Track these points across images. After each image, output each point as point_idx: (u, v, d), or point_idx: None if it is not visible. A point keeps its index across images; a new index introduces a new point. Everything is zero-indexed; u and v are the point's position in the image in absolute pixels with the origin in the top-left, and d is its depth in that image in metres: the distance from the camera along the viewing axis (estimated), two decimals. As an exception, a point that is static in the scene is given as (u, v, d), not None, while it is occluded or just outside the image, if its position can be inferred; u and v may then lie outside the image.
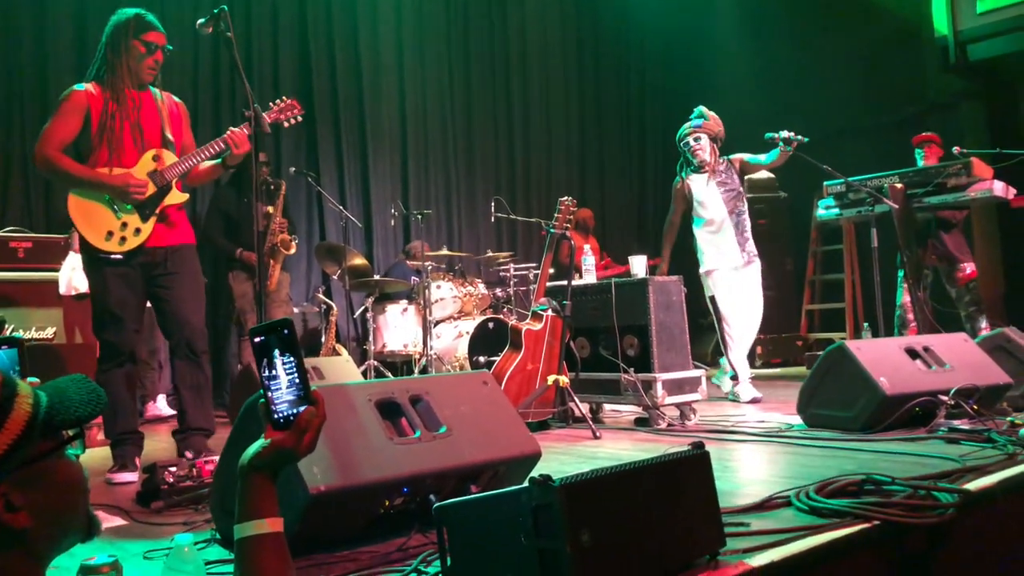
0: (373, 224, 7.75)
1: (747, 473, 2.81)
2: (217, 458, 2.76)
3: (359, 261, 6.62)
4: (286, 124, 3.55)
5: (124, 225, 3.31)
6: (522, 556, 1.48)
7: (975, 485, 2.20)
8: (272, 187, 5.83)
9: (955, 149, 5.80)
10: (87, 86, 3.35)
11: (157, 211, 3.37)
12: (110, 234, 3.29)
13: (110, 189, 3.27)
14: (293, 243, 5.80)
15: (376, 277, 6.59)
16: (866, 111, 8.64)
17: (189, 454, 3.32)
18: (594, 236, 8.30)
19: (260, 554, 1.23)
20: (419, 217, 6.83)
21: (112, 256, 3.29)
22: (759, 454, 3.20)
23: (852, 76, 8.69)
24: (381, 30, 8.04)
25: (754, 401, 4.93)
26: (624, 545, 1.54)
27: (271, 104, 3.55)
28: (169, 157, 3.41)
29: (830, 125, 8.05)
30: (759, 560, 1.66)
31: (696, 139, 5.22)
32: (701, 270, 5.27)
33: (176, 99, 3.60)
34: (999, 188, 5.61)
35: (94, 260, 3.33)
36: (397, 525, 2.10)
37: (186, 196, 3.50)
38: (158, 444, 4.41)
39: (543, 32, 9.44)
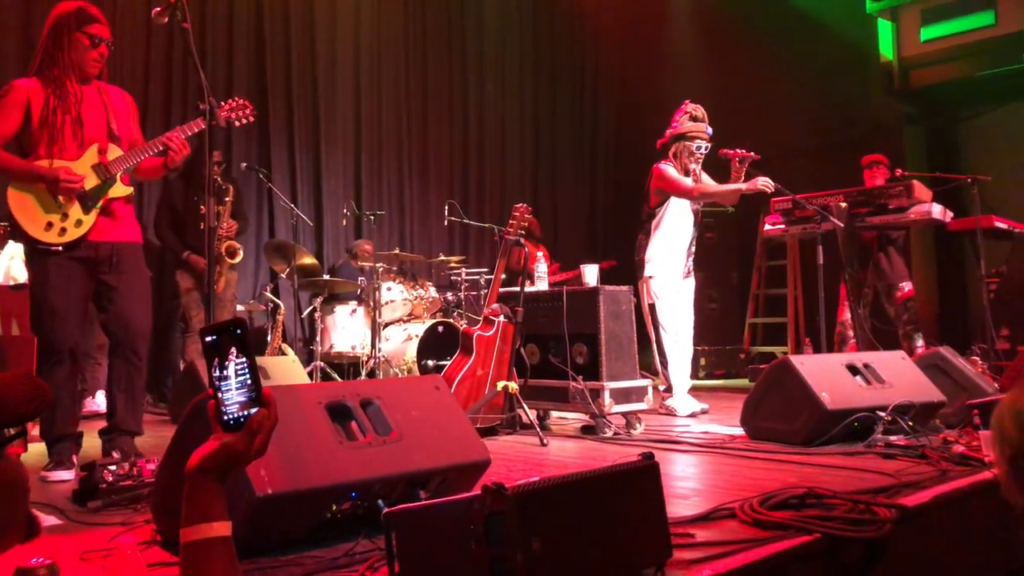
0: (324, 223, 7.67)
1: (692, 484, 2.85)
2: (156, 458, 2.70)
3: (309, 260, 6.55)
4: (237, 124, 3.51)
5: (64, 216, 3.24)
6: (472, 564, 1.48)
7: (911, 500, 2.27)
8: (222, 188, 5.72)
9: (897, 171, 5.99)
10: (28, 80, 3.28)
11: (100, 204, 3.30)
12: (49, 225, 3.22)
13: (45, 181, 3.20)
14: (239, 252, 5.68)
15: (326, 277, 6.52)
16: (814, 131, 8.85)
17: (116, 455, 3.22)
18: (543, 244, 8.36)
19: (208, 559, 1.21)
20: (371, 218, 6.78)
21: (52, 248, 3.22)
22: (703, 465, 3.24)
23: (801, 96, 8.88)
24: (338, 28, 7.97)
25: (693, 415, 4.86)
26: (574, 553, 1.55)
27: (222, 103, 3.48)
28: (114, 151, 3.35)
29: (779, 143, 8.20)
30: (705, 571, 1.69)
31: (705, 148, 5.11)
32: (646, 274, 5.14)
33: (124, 92, 3.54)
34: (937, 211, 5.80)
35: (34, 252, 3.25)
36: (344, 530, 2.08)
37: (130, 190, 3.44)
38: (96, 441, 4.28)
39: (500, 39, 9.47)
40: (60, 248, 3.23)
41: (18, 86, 3.25)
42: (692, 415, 4.87)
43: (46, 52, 3.30)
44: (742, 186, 4.99)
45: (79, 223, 3.25)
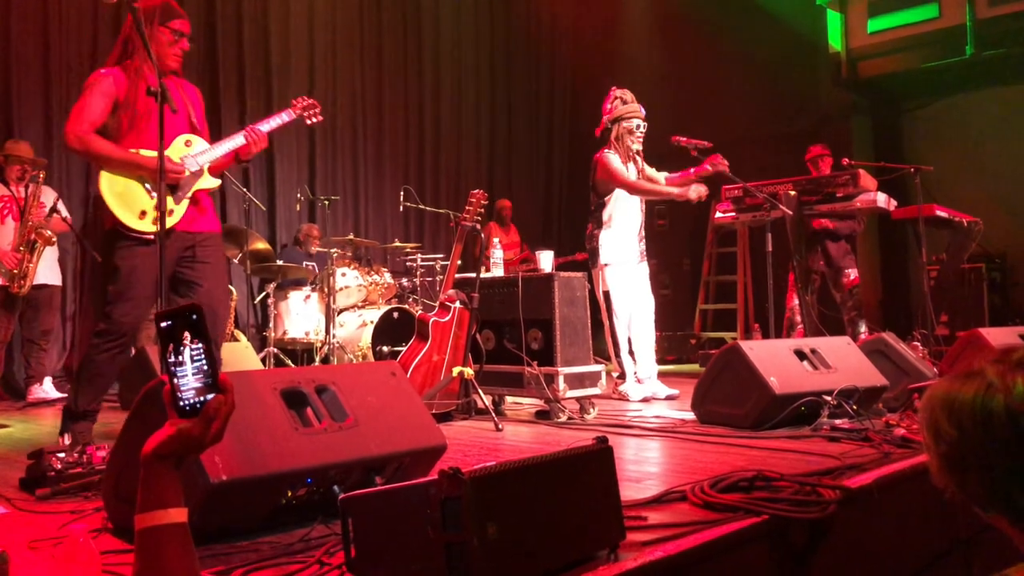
0: (277, 208, 7.59)
1: (644, 467, 2.90)
2: (106, 445, 2.67)
3: (261, 245, 6.48)
4: (308, 122, 3.72)
5: (158, 205, 3.27)
6: (428, 548, 1.49)
7: (854, 482, 2.34)
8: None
9: (843, 161, 6.12)
10: (113, 70, 3.34)
11: (190, 194, 3.39)
12: (143, 213, 3.28)
13: (147, 171, 3.26)
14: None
15: (279, 263, 6.45)
16: (764, 120, 9.00)
17: (67, 438, 3.30)
18: (515, 226, 8.40)
19: (164, 545, 1.20)
20: (326, 203, 6.72)
21: (144, 235, 3.28)
22: (655, 449, 3.30)
23: (752, 86, 9.02)
24: (292, 13, 7.85)
25: (646, 400, 4.89)
26: (529, 537, 1.57)
27: (293, 100, 3.72)
28: (199, 143, 3.45)
29: (729, 132, 8.29)
30: (657, 553, 1.73)
31: (644, 127, 5.12)
32: (600, 262, 5.12)
33: (195, 87, 3.65)
34: (882, 200, 5.95)
35: (123, 239, 3.30)
36: (300, 516, 2.08)
37: (218, 182, 3.56)
38: (42, 428, 4.21)
39: (456, 24, 9.43)
40: (152, 237, 3.27)
41: (106, 75, 3.32)
42: (645, 400, 4.90)
43: (128, 44, 3.36)
44: (674, 191, 5.05)
45: (171, 212, 3.33)
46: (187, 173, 3.38)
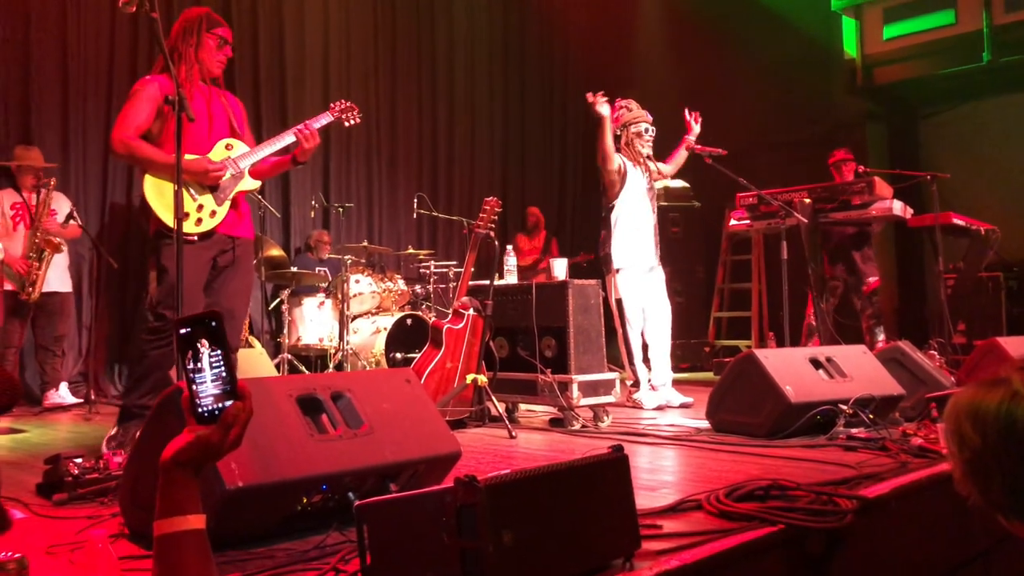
0: (291, 215, 7.62)
1: (659, 476, 2.90)
2: (122, 451, 2.69)
3: (276, 252, 6.51)
4: (346, 124, 3.81)
5: (201, 207, 3.40)
6: (444, 555, 1.49)
7: (871, 491, 2.33)
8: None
9: (859, 168, 6.10)
10: (158, 76, 3.42)
11: (231, 196, 3.46)
12: (187, 215, 3.33)
13: (190, 173, 3.34)
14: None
15: (293, 269, 6.48)
16: (778, 127, 8.96)
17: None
18: (547, 231, 8.54)
19: (182, 551, 1.21)
20: (340, 210, 6.74)
21: (188, 237, 3.34)
22: (670, 457, 3.29)
23: (766, 92, 8.99)
24: (307, 16, 7.90)
25: (660, 408, 4.85)
26: (544, 545, 1.57)
27: (332, 104, 3.80)
28: (240, 146, 3.53)
29: (744, 138, 8.27)
30: (672, 562, 1.72)
31: (652, 131, 5.17)
32: (614, 267, 5.07)
33: (237, 98, 3.74)
34: (898, 207, 5.92)
35: (170, 239, 3.33)
36: (314, 522, 2.09)
37: (259, 184, 3.65)
38: (58, 434, 4.24)
39: (470, 31, 9.45)
40: (196, 238, 3.37)
41: (151, 82, 3.40)
42: (659, 408, 4.87)
43: (174, 51, 3.44)
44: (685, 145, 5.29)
45: (213, 215, 3.42)
46: (228, 175, 3.45)
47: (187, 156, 3.33)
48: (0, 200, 5.51)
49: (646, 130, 5.15)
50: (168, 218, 3.33)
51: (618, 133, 5.17)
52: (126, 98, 3.50)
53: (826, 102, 8.92)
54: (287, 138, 3.55)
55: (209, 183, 3.42)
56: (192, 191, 3.39)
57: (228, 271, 3.52)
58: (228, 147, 3.51)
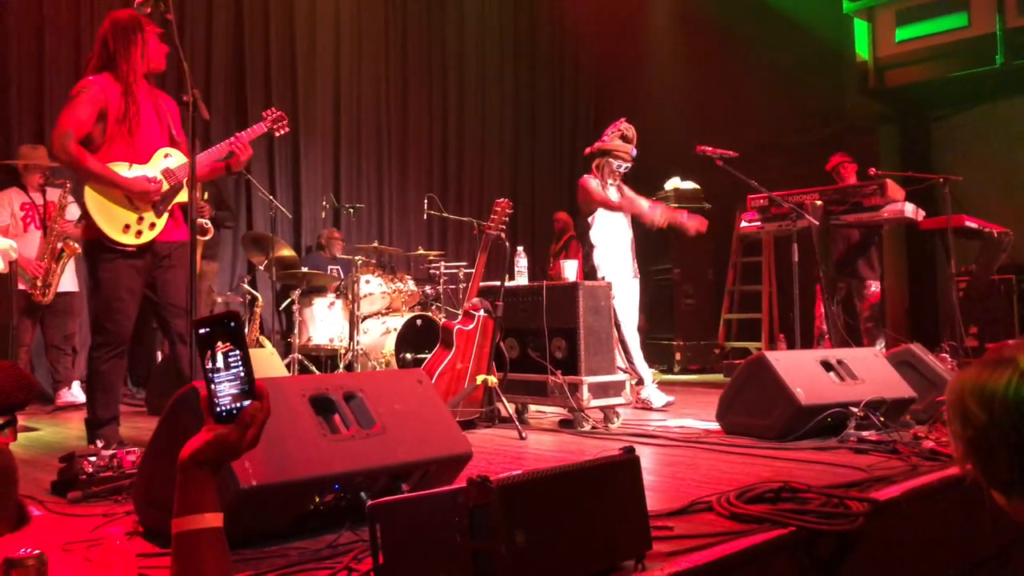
0: (302, 216, 7.65)
1: (669, 477, 2.90)
2: (137, 449, 2.70)
3: (287, 252, 6.53)
4: (277, 134, 3.81)
5: (140, 219, 3.41)
6: (456, 555, 1.50)
7: (882, 494, 2.33)
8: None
9: (870, 171, 6.08)
10: (100, 77, 3.37)
11: (169, 208, 3.48)
12: (127, 227, 3.37)
13: (129, 192, 3.36)
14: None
15: (304, 269, 6.50)
16: (790, 129, 8.94)
17: (100, 443, 3.32)
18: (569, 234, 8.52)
19: (200, 549, 1.22)
20: (350, 210, 6.76)
21: (127, 248, 3.37)
22: (680, 459, 3.29)
23: (777, 94, 8.96)
24: (318, 18, 7.93)
25: (668, 405, 4.93)
26: (556, 546, 1.58)
27: (264, 113, 3.78)
28: (178, 155, 3.51)
29: (755, 140, 8.25)
30: (683, 563, 1.73)
31: (626, 168, 5.22)
32: (599, 276, 5.10)
33: (171, 98, 3.68)
34: (910, 210, 5.90)
35: (107, 251, 3.38)
36: (327, 522, 2.10)
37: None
38: (71, 432, 4.27)
39: (481, 33, 9.47)
40: (133, 249, 3.38)
41: (94, 83, 3.35)
42: (668, 406, 4.92)
43: (109, 51, 3.40)
44: (644, 209, 5.21)
45: (152, 226, 3.43)
46: (165, 187, 3.43)
47: (129, 172, 3.36)
48: (9, 200, 5.52)
49: (619, 167, 5.19)
50: (110, 231, 3.34)
51: (599, 151, 5.23)
52: (66, 99, 3.46)
53: (838, 104, 8.89)
54: (222, 150, 3.54)
55: (149, 202, 3.41)
56: (134, 203, 3.39)
57: (167, 271, 3.52)
58: (166, 156, 3.49)
